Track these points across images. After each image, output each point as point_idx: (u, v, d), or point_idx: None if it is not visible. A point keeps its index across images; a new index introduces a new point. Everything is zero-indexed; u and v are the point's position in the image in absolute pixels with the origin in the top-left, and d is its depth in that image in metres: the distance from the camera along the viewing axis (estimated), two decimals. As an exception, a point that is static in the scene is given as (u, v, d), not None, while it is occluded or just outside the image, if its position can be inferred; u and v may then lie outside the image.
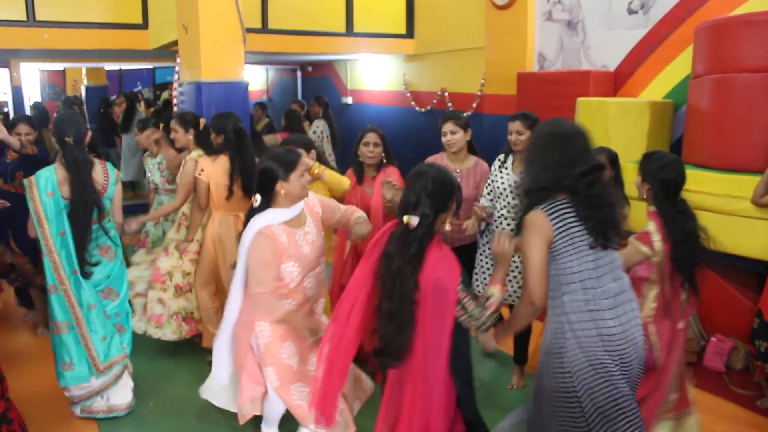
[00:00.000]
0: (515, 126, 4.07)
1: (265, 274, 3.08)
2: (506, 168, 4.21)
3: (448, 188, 2.57)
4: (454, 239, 4.25)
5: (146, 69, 15.28)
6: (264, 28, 7.46)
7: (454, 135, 4.27)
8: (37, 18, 6.88)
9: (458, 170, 4.35)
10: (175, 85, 6.10)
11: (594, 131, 5.06)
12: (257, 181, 3.17)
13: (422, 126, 8.54)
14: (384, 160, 4.30)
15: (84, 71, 14.77)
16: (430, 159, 4.44)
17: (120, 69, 15.40)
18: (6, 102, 15.63)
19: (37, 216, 3.59)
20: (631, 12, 5.82)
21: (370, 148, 4.21)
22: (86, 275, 3.69)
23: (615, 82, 5.92)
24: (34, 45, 6.95)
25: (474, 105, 7.57)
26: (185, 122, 4.71)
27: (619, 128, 5.02)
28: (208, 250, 4.45)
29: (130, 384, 4.01)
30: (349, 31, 8.16)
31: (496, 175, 4.24)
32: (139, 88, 15.40)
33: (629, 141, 4.95)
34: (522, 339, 4.32)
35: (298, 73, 11.53)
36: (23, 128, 4.95)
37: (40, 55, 8.66)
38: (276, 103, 11.95)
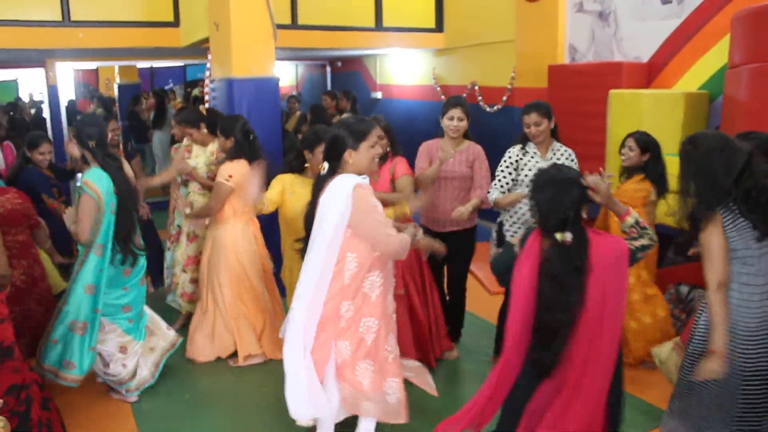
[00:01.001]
0: (532, 118, 4.15)
1: (388, 222, 2.99)
2: (533, 156, 4.25)
3: (580, 191, 2.64)
4: (453, 222, 4.32)
5: (177, 66, 15.41)
6: (294, 24, 7.48)
7: (461, 122, 4.34)
8: (72, 18, 6.96)
9: (452, 152, 4.38)
10: (207, 81, 6.14)
11: (627, 124, 5.03)
12: (326, 148, 3.09)
13: (452, 120, 8.51)
14: (389, 151, 4.30)
15: (117, 69, 14.97)
16: (427, 144, 4.54)
17: (152, 67, 15.55)
18: (42, 101, 15.92)
19: (99, 215, 3.69)
20: (665, 2, 5.73)
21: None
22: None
23: (648, 74, 5.83)
24: (69, 45, 7.05)
25: (504, 98, 7.52)
26: (192, 122, 4.97)
27: (654, 121, 4.94)
28: (232, 265, 4.45)
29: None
30: (379, 25, 8.15)
31: (520, 162, 4.26)
32: (171, 85, 15.54)
33: (664, 133, 4.86)
34: None
35: (328, 69, 11.54)
36: (46, 148, 4.98)
37: (74, 54, 8.78)
38: (306, 99, 11.96)
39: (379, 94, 10.20)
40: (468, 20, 8.16)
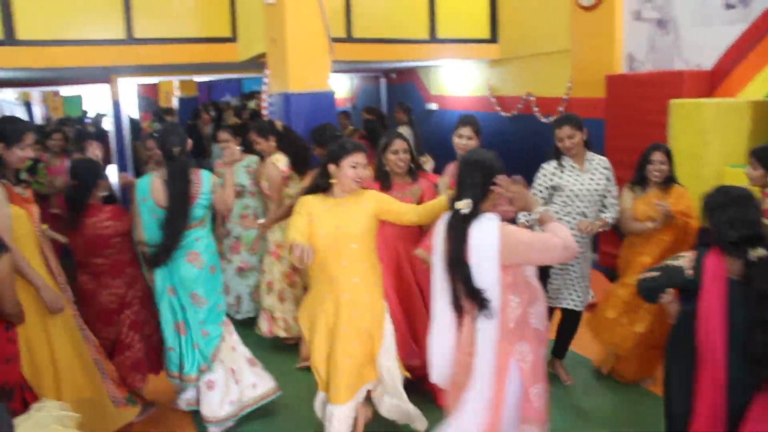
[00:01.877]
0: (565, 131, 4.13)
1: (540, 236, 2.73)
2: (571, 170, 4.20)
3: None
4: None
5: (234, 79, 15.73)
6: (348, 38, 7.55)
7: (470, 141, 4.31)
8: (135, 36, 7.18)
9: None
10: (264, 96, 6.25)
11: (689, 135, 4.92)
12: (467, 178, 2.79)
13: (507, 131, 8.44)
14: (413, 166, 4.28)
15: (176, 83, 15.36)
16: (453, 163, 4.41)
17: (210, 80, 15.92)
18: (104, 114, 16.44)
19: (136, 218, 3.90)
20: (728, 7, 5.58)
21: (400, 156, 4.11)
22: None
23: (711, 82, 5.68)
24: (133, 61, 7.28)
25: (560, 109, 7.43)
26: (264, 132, 5.14)
27: (717, 131, 4.81)
28: None
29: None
30: (433, 37, 8.16)
31: (557, 178, 4.21)
32: (228, 97, 15.87)
33: (728, 144, 4.75)
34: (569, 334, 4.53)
35: (382, 80, 11.60)
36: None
37: (137, 70, 9.07)
38: (360, 110, 12.07)
39: (433, 105, 10.20)
40: (523, 30, 8.11)
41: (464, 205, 2.72)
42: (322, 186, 3.40)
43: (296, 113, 5.37)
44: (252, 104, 14.56)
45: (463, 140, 4.29)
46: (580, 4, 6.86)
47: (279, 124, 5.36)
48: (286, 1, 5.33)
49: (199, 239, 3.90)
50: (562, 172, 4.21)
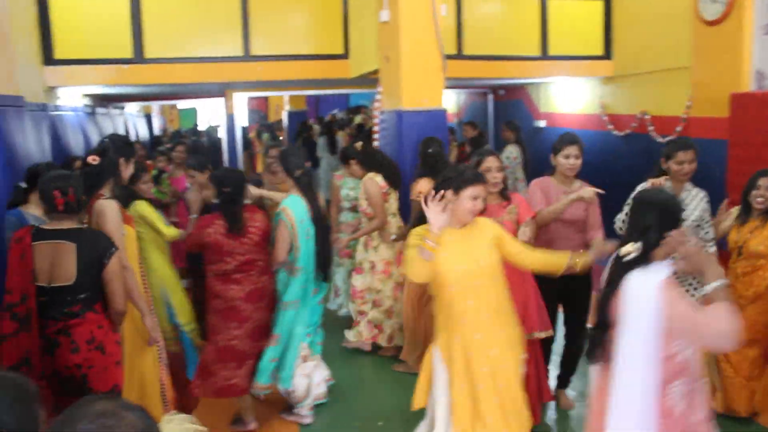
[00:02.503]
0: (690, 155, 3.96)
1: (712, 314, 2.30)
2: None
3: None
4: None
5: (341, 94, 16.07)
6: (459, 54, 7.54)
7: (577, 160, 4.14)
8: (252, 53, 7.46)
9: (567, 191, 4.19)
10: (376, 113, 6.32)
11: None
12: (639, 219, 2.52)
13: (620, 151, 8.18)
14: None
15: (286, 97, 15.83)
16: (539, 181, 4.31)
17: (318, 95, 16.33)
18: (217, 126, 17.13)
19: (294, 240, 4.02)
20: None
21: (493, 174, 3.89)
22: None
23: None
24: (249, 77, 7.57)
25: (678, 128, 7.12)
26: (344, 158, 5.68)
27: None
28: None
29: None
30: (544, 54, 8.04)
31: None
32: (335, 111, 16.22)
33: None
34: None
35: (490, 97, 11.52)
36: (190, 172, 5.35)
37: (252, 85, 9.43)
38: (463, 125, 12.02)
39: (542, 123, 10.03)
40: (639, 47, 7.85)
41: (630, 250, 2.43)
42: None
43: (408, 130, 5.40)
44: (358, 118, 14.85)
45: (571, 160, 4.14)
46: (703, 18, 6.56)
47: (358, 145, 5.59)
48: (400, 19, 5.39)
49: None
50: None
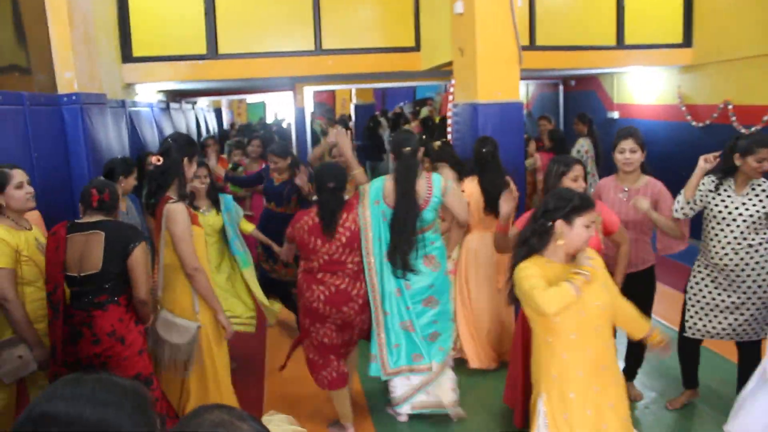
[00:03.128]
0: None
1: None
2: (726, 191, 3.77)
3: None
4: (630, 264, 3.94)
5: (408, 87, 16.01)
6: (532, 45, 7.40)
7: (633, 154, 3.93)
8: (323, 47, 7.50)
9: (626, 189, 4.03)
10: (450, 106, 6.24)
11: None
12: None
13: (699, 142, 7.87)
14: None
15: (353, 91, 15.88)
16: (603, 182, 4.19)
17: (384, 88, 16.32)
18: (283, 119, 17.33)
19: (363, 222, 3.87)
20: None
21: (579, 183, 3.66)
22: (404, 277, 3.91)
23: None
24: (320, 71, 7.62)
25: (765, 118, 6.81)
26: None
27: None
28: (461, 265, 4.81)
29: (450, 382, 4.10)
30: (620, 43, 7.81)
31: (708, 199, 3.81)
32: (402, 104, 16.17)
33: None
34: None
35: (560, 87, 11.28)
36: (272, 158, 5.41)
37: (322, 79, 9.48)
38: (536, 119, 11.79)
39: (615, 114, 9.76)
40: (721, 33, 7.54)
41: None
42: (535, 247, 2.81)
43: (483, 124, 5.30)
44: (424, 111, 14.76)
45: (626, 155, 3.95)
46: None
47: (436, 145, 5.46)
48: (476, 10, 5.29)
49: (434, 242, 3.96)
50: (715, 189, 3.79)
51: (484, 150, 4.75)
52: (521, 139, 5.64)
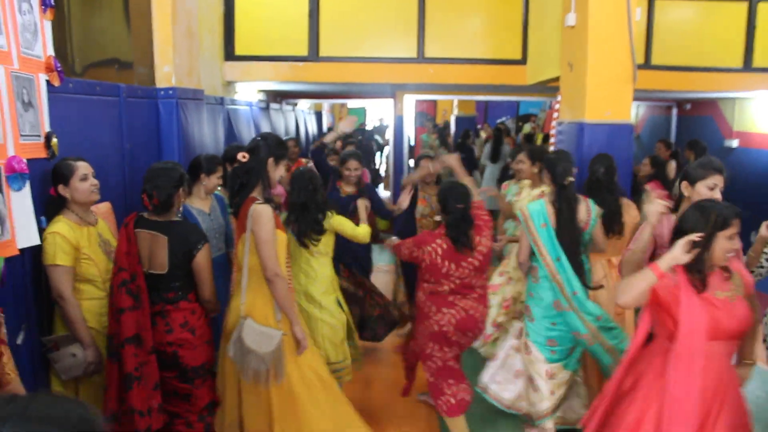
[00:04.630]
0: None
1: None
2: None
3: None
4: None
5: (511, 101, 15.62)
6: (647, 64, 6.95)
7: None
8: (426, 55, 7.31)
9: None
10: (554, 123, 5.89)
11: None
12: None
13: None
14: None
15: (455, 102, 15.63)
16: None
17: (487, 101, 15.97)
18: (387, 125, 17.26)
19: (535, 244, 3.82)
20: None
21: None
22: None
23: None
24: (421, 80, 7.42)
25: None
26: (534, 154, 4.98)
27: None
28: None
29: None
30: (747, 66, 7.20)
31: None
32: (504, 119, 15.79)
33: None
34: None
35: (674, 111, 10.60)
36: (352, 164, 5.14)
37: (422, 88, 9.29)
38: (644, 143, 11.14)
39: (734, 143, 9.04)
40: None
41: None
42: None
43: (590, 144, 4.92)
44: (527, 127, 14.34)
45: (716, 192, 3.29)
46: None
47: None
48: (589, 23, 4.93)
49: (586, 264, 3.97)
50: None
51: (603, 169, 4.38)
52: (630, 164, 5.21)
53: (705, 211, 2.62)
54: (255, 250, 3.34)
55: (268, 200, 3.42)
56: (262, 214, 3.30)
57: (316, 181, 4.24)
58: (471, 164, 12.08)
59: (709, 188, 3.23)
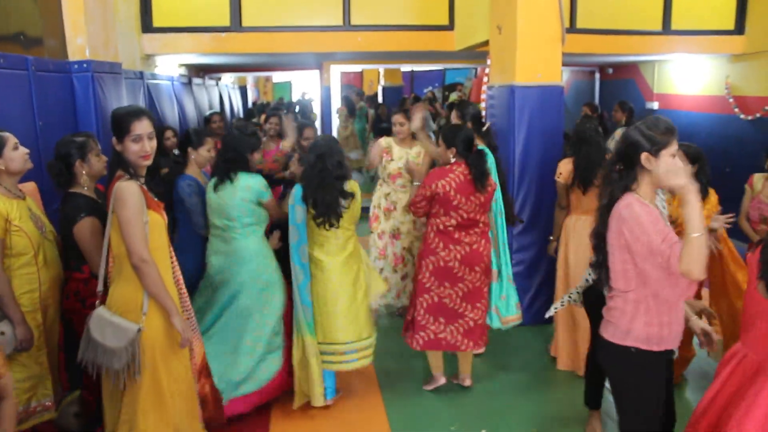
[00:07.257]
0: None
1: None
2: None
3: None
4: None
5: (437, 70, 15.60)
6: (572, 28, 6.98)
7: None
8: (352, 23, 7.16)
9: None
10: (485, 88, 5.86)
11: None
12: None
13: (747, 136, 7.42)
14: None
15: (381, 72, 15.50)
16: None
17: (412, 70, 15.90)
18: (311, 98, 17.01)
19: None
20: None
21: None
22: None
23: None
24: (348, 48, 7.28)
25: (822, 113, 6.36)
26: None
27: None
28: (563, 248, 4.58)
29: None
30: (666, 29, 7.34)
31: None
32: (430, 88, 15.77)
33: None
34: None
35: (597, 75, 10.80)
36: (309, 132, 5.24)
37: (351, 57, 9.13)
38: (570, 108, 11.31)
39: (655, 105, 9.27)
40: (777, 21, 7.04)
41: None
42: None
43: (521, 107, 4.92)
44: (454, 96, 14.36)
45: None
46: None
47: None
48: (517, -15, 4.90)
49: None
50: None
51: (588, 125, 4.45)
52: (561, 127, 5.22)
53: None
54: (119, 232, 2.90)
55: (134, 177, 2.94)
56: (124, 190, 2.85)
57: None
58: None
59: (672, 156, 2.58)
